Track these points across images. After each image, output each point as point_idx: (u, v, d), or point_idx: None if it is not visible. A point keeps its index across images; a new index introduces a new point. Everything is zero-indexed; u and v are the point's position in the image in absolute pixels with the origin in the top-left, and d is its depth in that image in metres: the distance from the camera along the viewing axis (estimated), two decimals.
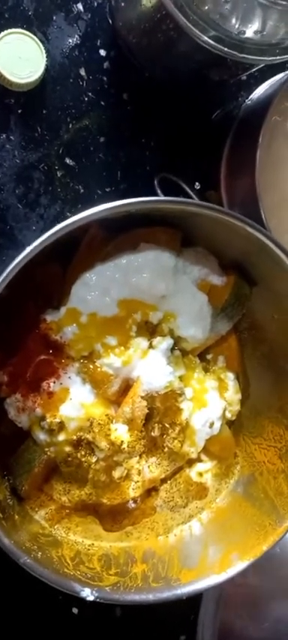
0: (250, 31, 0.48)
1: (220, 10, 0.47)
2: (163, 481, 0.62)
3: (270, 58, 0.48)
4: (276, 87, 0.61)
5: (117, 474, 0.56)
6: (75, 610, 0.67)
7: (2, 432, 0.58)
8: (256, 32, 0.48)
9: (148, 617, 0.71)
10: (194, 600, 0.71)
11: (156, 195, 0.61)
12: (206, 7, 0.46)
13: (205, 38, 0.47)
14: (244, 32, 0.48)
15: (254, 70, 0.62)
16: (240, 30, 0.48)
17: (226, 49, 0.47)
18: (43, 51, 0.57)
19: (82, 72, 0.61)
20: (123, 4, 0.57)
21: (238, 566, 0.54)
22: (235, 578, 0.56)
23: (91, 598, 0.49)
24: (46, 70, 0.58)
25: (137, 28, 0.56)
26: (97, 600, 0.50)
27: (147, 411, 0.56)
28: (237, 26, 0.48)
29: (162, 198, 0.55)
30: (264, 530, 0.56)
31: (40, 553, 0.50)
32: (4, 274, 0.46)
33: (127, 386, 0.57)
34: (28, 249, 0.47)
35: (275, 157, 0.60)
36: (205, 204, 0.51)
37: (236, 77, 0.62)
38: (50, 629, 0.67)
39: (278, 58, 0.48)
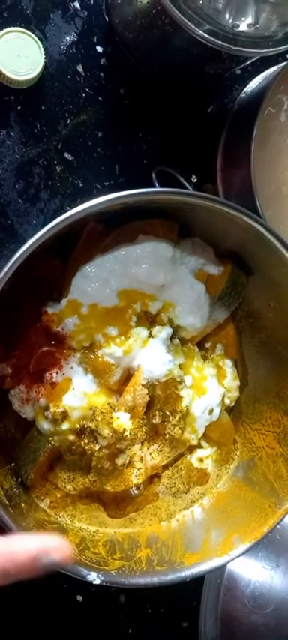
0: (243, 25, 0.49)
1: (214, 5, 0.48)
2: (165, 468, 0.63)
3: (264, 51, 0.49)
4: (269, 80, 0.63)
5: (120, 461, 0.57)
6: (79, 597, 0.68)
7: (6, 423, 0.59)
8: (249, 25, 0.50)
9: (151, 604, 0.72)
10: (196, 587, 0.72)
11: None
12: (201, 2, 0.47)
13: (200, 32, 0.48)
14: (238, 26, 0.49)
15: (248, 63, 0.63)
16: (234, 24, 0.49)
17: (220, 42, 0.48)
18: (42, 48, 0.58)
19: (80, 68, 0.62)
20: (119, 1, 0.58)
21: (241, 548, 0.55)
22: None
23: (97, 581, 0.50)
24: (45, 67, 0.59)
25: (133, 24, 0.57)
26: (104, 584, 0.51)
27: (148, 398, 0.57)
28: (231, 20, 0.49)
29: (160, 189, 0.56)
30: (264, 513, 0.57)
31: None
32: (6, 268, 0.47)
33: (128, 375, 0.58)
34: (29, 242, 0.47)
35: (270, 149, 0.61)
36: (202, 194, 0.52)
37: (231, 71, 0.63)
38: (55, 616, 0.68)
39: (271, 50, 0.49)
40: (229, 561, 0.55)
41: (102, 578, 0.51)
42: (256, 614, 0.70)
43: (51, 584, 0.66)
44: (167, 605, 0.72)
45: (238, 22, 0.49)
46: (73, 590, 0.68)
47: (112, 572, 0.52)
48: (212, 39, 0.48)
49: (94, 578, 0.51)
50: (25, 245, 0.47)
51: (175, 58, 0.57)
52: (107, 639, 0.70)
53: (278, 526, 0.57)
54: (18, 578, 0.36)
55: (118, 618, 0.70)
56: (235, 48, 0.49)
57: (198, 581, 0.70)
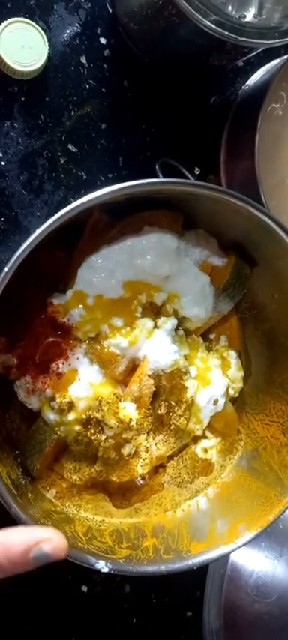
0: (249, 15, 0.50)
1: None
2: (170, 458, 0.63)
3: (269, 42, 0.50)
4: (272, 72, 0.63)
5: (126, 451, 0.58)
6: (84, 588, 0.68)
7: (12, 414, 0.59)
8: (255, 16, 0.50)
9: (156, 594, 0.72)
10: (200, 577, 0.72)
11: None
12: None
13: (207, 23, 0.48)
14: (245, 16, 0.49)
15: (251, 55, 0.63)
16: (240, 14, 0.49)
17: (226, 33, 0.48)
18: (46, 39, 0.58)
19: (83, 60, 0.62)
20: None
21: (246, 536, 0.55)
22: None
23: (105, 570, 0.51)
24: (49, 58, 0.59)
25: (138, 15, 0.57)
26: (112, 572, 0.51)
27: (154, 388, 0.57)
28: (235, 10, 0.50)
29: (166, 179, 0.56)
30: (270, 502, 0.57)
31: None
32: (13, 260, 0.47)
33: (133, 366, 0.58)
34: (36, 233, 0.47)
35: (273, 141, 0.61)
36: (207, 184, 0.52)
37: (235, 62, 0.63)
38: (60, 607, 0.68)
39: (277, 41, 0.49)
40: (235, 549, 0.55)
41: (110, 567, 0.51)
42: (260, 603, 0.71)
43: (56, 574, 0.67)
44: (171, 595, 0.73)
45: (243, 13, 0.50)
46: (78, 581, 0.68)
47: (120, 560, 0.52)
48: (219, 29, 0.48)
49: (103, 566, 0.51)
50: (32, 236, 0.47)
51: (179, 49, 0.57)
52: (112, 629, 0.70)
53: (281, 516, 0.57)
54: (13, 572, 0.34)
55: (123, 608, 0.70)
56: (241, 39, 0.49)
57: (202, 571, 0.71)
